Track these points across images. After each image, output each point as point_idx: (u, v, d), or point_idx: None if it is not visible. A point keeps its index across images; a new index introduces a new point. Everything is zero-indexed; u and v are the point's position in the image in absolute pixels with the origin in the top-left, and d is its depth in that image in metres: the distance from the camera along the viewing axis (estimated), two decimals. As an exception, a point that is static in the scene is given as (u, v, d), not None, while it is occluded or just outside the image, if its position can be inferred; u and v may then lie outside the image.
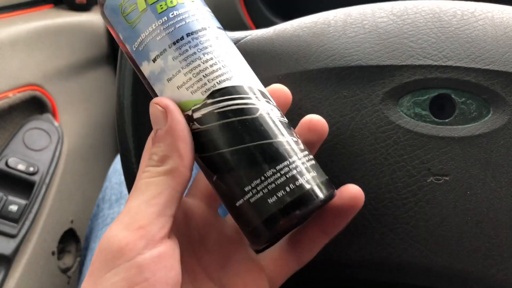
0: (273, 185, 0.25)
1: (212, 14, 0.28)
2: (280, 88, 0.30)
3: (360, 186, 0.29)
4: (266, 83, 0.32)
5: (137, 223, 0.24)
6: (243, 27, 0.74)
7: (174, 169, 0.25)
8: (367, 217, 0.29)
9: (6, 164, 0.62)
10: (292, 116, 0.31)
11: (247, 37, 0.34)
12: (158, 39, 0.26)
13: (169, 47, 0.26)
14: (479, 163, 0.29)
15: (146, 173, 0.25)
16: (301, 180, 0.25)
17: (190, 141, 0.26)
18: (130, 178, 0.35)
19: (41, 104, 0.70)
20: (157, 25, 0.26)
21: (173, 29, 0.26)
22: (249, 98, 0.26)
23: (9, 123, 0.65)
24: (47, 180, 0.65)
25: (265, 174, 0.25)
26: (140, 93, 0.35)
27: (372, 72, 0.31)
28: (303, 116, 0.31)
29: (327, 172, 0.29)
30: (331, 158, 0.30)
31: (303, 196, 0.25)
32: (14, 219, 0.61)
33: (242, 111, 0.25)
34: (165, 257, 0.24)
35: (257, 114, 0.26)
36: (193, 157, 0.26)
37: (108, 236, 0.24)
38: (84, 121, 0.77)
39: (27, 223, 0.61)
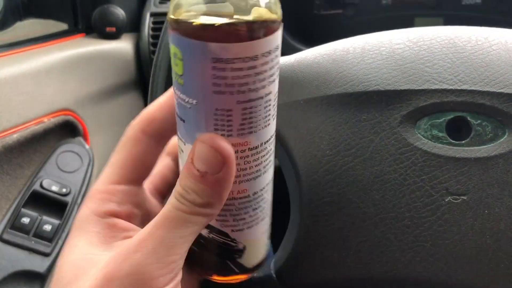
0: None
1: None
2: None
3: (380, 205, 0.31)
4: (288, 108, 0.34)
5: (171, 257, 0.24)
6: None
7: (212, 215, 0.25)
8: (388, 236, 0.31)
9: (41, 185, 0.66)
10: (313, 139, 0.33)
11: (270, 65, 0.36)
12: None
13: None
14: (496, 182, 0.30)
15: (184, 206, 0.24)
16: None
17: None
18: None
19: (73, 128, 0.73)
20: None
21: None
22: None
23: (44, 146, 0.69)
24: (78, 201, 0.68)
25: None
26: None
27: (390, 96, 0.32)
28: (324, 138, 0.32)
29: (348, 193, 0.30)
30: (351, 179, 0.32)
31: None
32: (48, 238, 0.63)
33: None
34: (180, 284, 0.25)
35: None
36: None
37: (140, 263, 0.24)
38: (113, 144, 0.79)
39: (60, 242, 0.64)
